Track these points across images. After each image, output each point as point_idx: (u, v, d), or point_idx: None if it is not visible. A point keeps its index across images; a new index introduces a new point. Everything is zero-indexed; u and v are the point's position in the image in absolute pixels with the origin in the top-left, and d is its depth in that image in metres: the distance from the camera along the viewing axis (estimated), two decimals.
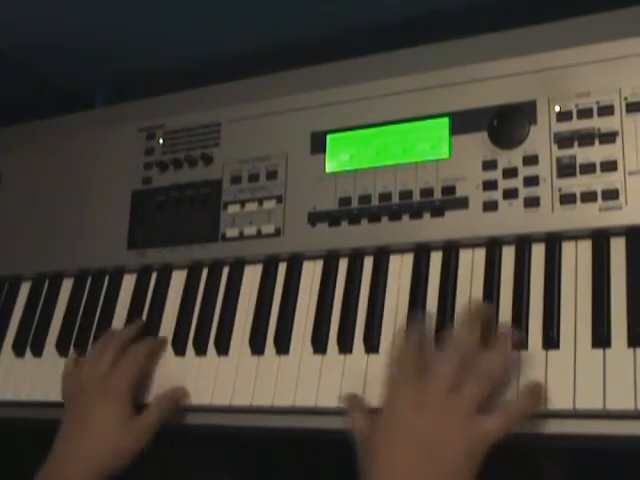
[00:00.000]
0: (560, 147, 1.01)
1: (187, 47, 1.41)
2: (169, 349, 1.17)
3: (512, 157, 1.03)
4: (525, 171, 1.02)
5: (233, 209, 1.19)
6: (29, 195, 1.38)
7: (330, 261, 1.13)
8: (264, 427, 1.09)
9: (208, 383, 1.12)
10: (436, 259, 1.07)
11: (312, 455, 1.39)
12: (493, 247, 1.04)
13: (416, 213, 1.07)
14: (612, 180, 0.97)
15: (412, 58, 1.14)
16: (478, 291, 1.02)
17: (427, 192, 1.07)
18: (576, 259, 0.99)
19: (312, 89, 1.18)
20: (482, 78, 1.07)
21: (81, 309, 1.28)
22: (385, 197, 1.09)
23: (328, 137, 1.15)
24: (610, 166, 0.98)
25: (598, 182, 0.98)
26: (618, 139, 0.98)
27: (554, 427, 0.93)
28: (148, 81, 1.48)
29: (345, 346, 1.06)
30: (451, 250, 1.06)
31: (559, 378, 0.92)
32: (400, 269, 1.08)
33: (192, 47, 1.41)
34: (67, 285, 1.32)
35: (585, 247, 0.99)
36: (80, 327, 1.27)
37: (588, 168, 0.99)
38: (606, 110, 0.99)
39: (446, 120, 1.08)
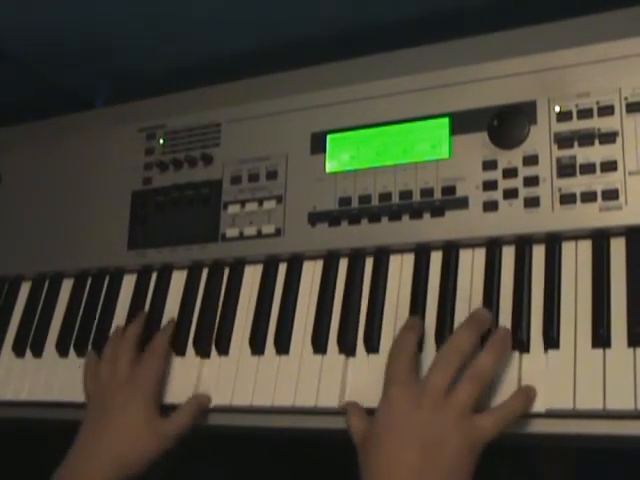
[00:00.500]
0: (560, 147, 1.01)
1: (187, 47, 1.41)
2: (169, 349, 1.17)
3: (512, 157, 1.03)
4: (525, 171, 1.02)
5: (233, 209, 1.19)
6: (29, 195, 1.38)
7: (330, 261, 1.13)
8: (264, 427, 1.09)
9: (208, 383, 1.12)
10: (436, 259, 1.07)
11: (312, 455, 1.40)
12: (493, 247, 1.04)
13: (416, 213, 1.07)
14: (612, 180, 0.97)
15: (412, 58, 1.15)
16: (478, 291, 1.02)
17: (427, 192, 1.07)
18: (576, 259, 0.99)
19: (312, 89, 1.18)
20: (482, 78, 1.07)
21: (81, 309, 1.28)
22: (385, 197, 1.09)
23: (328, 137, 1.15)
24: (610, 166, 0.98)
25: (598, 182, 0.98)
26: (618, 139, 0.98)
27: (554, 427, 0.93)
28: (148, 81, 1.48)
29: (345, 346, 1.06)
30: (451, 250, 1.06)
31: (559, 378, 0.92)
32: (400, 269, 1.09)
33: (192, 47, 1.41)
34: (67, 285, 1.32)
35: (585, 247, 0.99)
36: (80, 327, 1.27)
37: (588, 168, 0.99)
38: (606, 110, 0.99)
39: (446, 120, 1.08)
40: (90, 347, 1.23)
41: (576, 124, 1.01)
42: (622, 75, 1.00)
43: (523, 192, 1.01)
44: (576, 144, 1.00)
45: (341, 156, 1.14)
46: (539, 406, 0.92)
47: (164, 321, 1.20)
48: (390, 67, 1.14)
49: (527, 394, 0.93)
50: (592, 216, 0.98)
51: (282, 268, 1.16)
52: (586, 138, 1.00)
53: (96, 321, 1.26)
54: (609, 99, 1.00)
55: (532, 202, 1.01)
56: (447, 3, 1.22)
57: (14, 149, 1.42)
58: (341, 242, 1.11)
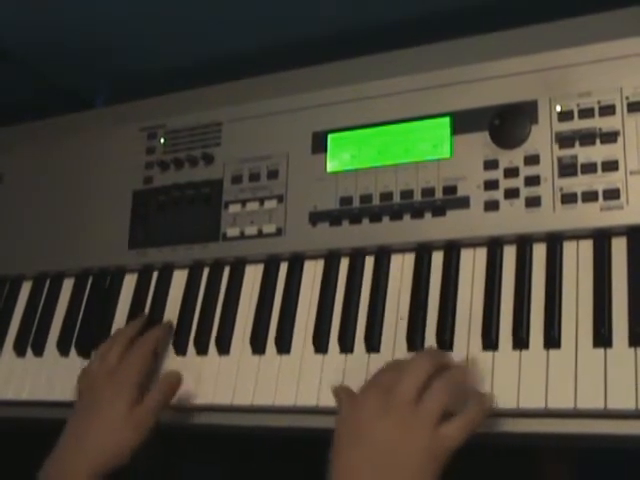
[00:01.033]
0: (561, 147, 1.01)
1: (187, 47, 1.41)
2: (170, 348, 1.17)
3: (513, 157, 1.03)
4: (526, 171, 1.02)
5: (234, 209, 1.19)
6: (30, 195, 1.38)
7: (331, 261, 1.13)
8: (265, 426, 1.09)
9: (209, 383, 1.12)
10: (437, 259, 1.07)
11: (312, 455, 1.40)
12: (494, 247, 1.04)
13: (417, 213, 1.07)
14: (613, 180, 0.98)
15: (413, 58, 1.15)
16: (479, 291, 1.02)
17: (428, 192, 1.07)
18: (577, 259, 0.99)
19: (313, 89, 1.18)
20: (483, 78, 1.07)
21: (82, 309, 1.28)
22: (386, 197, 1.09)
23: (329, 137, 1.15)
24: (611, 166, 0.98)
25: (599, 182, 0.98)
26: (619, 139, 0.98)
27: (555, 426, 0.93)
28: (148, 81, 1.48)
29: (346, 345, 1.06)
30: (452, 250, 1.06)
31: (560, 377, 0.93)
32: (401, 269, 1.09)
33: (192, 47, 1.41)
34: (68, 285, 1.32)
35: (586, 247, 0.99)
36: (81, 327, 1.27)
37: (589, 168, 0.99)
38: (607, 110, 1.00)
39: (447, 120, 1.08)
40: (91, 346, 1.23)
41: (577, 124, 1.01)
42: (623, 75, 1.00)
43: (524, 192, 1.01)
44: (577, 144, 1.00)
45: (342, 155, 1.14)
46: (540, 405, 0.92)
47: (165, 320, 1.20)
48: (391, 67, 1.14)
49: (485, 396, 0.93)
50: (593, 216, 0.98)
51: (283, 267, 1.16)
52: (587, 138, 1.00)
53: (97, 320, 1.26)
54: (610, 99, 1.00)
55: (533, 202, 1.01)
56: (447, 3, 1.22)
57: (15, 149, 1.42)
58: (342, 242, 1.11)
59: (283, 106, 1.19)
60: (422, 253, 1.08)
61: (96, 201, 1.30)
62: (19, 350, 1.29)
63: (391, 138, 1.11)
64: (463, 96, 1.08)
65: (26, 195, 1.38)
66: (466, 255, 1.06)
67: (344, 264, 1.12)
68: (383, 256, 1.10)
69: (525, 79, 1.05)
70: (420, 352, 0.99)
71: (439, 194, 1.06)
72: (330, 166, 1.14)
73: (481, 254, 1.05)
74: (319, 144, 1.16)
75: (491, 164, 1.04)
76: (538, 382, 0.93)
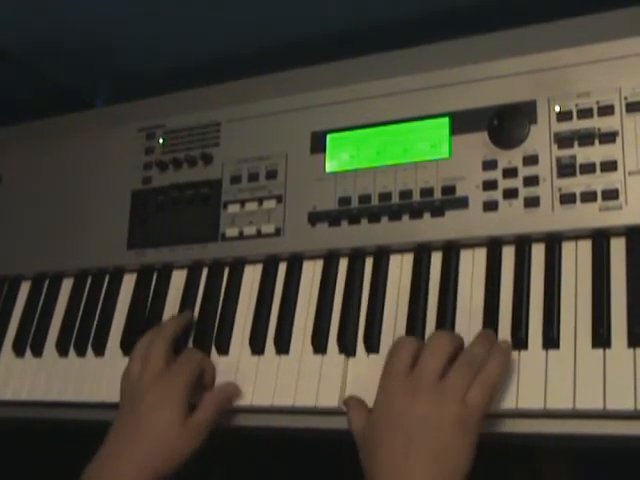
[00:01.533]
0: (560, 147, 1.01)
1: (187, 47, 1.41)
2: None
3: (512, 157, 1.03)
4: (525, 171, 1.02)
5: (233, 209, 1.19)
6: (29, 195, 1.38)
7: (330, 261, 1.13)
8: (264, 427, 1.09)
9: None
10: (436, 259, 1.07)
11: (312, 454, 1.40)
12: (493, 247, 1.04)
13: (416, 213, 1.07)
14: (612, 180, 0.98)
15: (413, 58, 1.15)
16: (478, 291, 1.02)
17: (427, 192, 1.07)
18: (576, 259, 0.99)
19: (312, 89, 1.18)
20: (482, 78, 1.07)
21: (81, 309, 1.28)
22: (385, 197, 1.09)
23: (328, 137, 1.15)
24: (610, 166, 0.98)
25: (598, 182, 0.98)
26: (618, 139, 0.98)
27: (554, 427, 0.93)
28: (148, 81, 1.48)
29: (345, 346, 1.06)
30: (451, 250, 1.06)
31: (559, 378, 0.92)
32: (400, 269, 1.09)
33: (192, 47, 1.41)
34: (67, 285, 1.32)
35: (585, 247, 0.99)
36: (80, 327, 1.26)
37: (588, 168, 0.99)
38: (606, 110, 0.99)
39: (446, 120, 1.08)
40: (90, 347, 1.23)
41: (576, 124, 1.01)
42: (622, 75, 1.00)
43: (523, 192, 1.01)
44: (576, 144, 1.00)
45: (341, 156, 1.14)
46: (539, 405, 0.92)
47: (163, 320, 1.19)
48: (390, 67, 1.14)
49: (500, 351, 0.94)
50: (592, 216, 0.98)
51: (282, 268, 1.16)
52: (586, 138, 1.00)
53: (96, 321, 1.26)
54: (609, 99, 1.00)
55: (532, 202, 1.01)
56: (447, 3, 1.22)
57: (14, 149, 1.42)
58: (341, 242, 1.11)
59: (282, 106, 1.19)
60: (421, 253, 1.08)
61: (95, 201, 1.30)
62: (18, 350, 1.29)
63: (390, 138, 1.11)
64: (462, 96, 1.08)
65: (25, 195, 1.38)
66: (465, 255, 1.06)
67: (343, 264, 1.12)
68: (382, 256, 1.10)
69: (524, 79, 1.05)
70: (437, 332, 0.99)
71: (438, 194, 1.06)
72: (329, 166, 1.14)
73: (480, 254, 1.05)
74: (318, 144, 1.15)
75: (490, 164, 1.04)
76: (537, 382, 0.93)
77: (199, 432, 1.04)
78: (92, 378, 1.20)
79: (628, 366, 0.90)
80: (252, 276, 1.17)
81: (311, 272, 1.14)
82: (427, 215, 1.06)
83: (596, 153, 0.99)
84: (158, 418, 1.03)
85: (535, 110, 1.03)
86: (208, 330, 1.16)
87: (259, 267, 1.18)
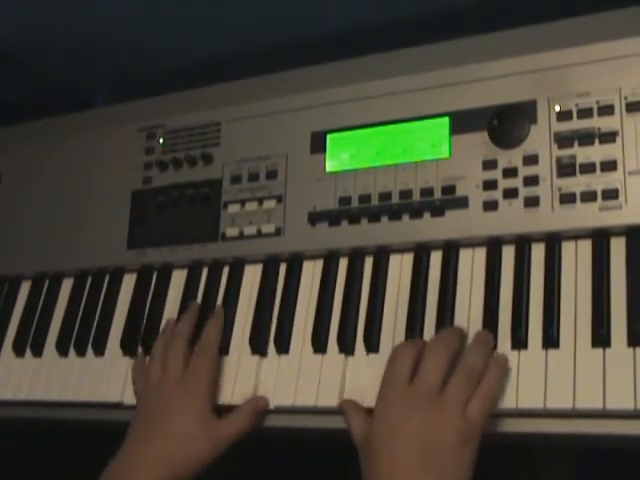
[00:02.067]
0: (560, 147, 1.01)
1: (187, 47, 1.41)
2: None
3: (512, 157, 1.03)
4: (525, 171, 1.02)
5: (233, 209, 1.19)
6: (29, 195, 1.38)
7: (330, 261, 1.13)
8: (264, 426, 1.09)
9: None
10: (436, 259, 1.07)
11: (312, 454, 1.40)
12: (493, 247, 1.04)
13: (416, 213, 1.07)
14: (612, 180, 0.98)
15: (413, 58, 1.14)
16: (478, 291, 1.02)
17: (427, 192, 1.07)
18: (576, 259, 0.99)
19: (312, 89, 1.18)
20: (482, 78, 1.07)
21: (81, 309, 1.28)
22: (385, 197, 1.09)
23: (328, 137, 1.15)
24: (610, 166, 0.98)
25: (598, 182, 0.98)
26: (618, 139, 0.98)
27: (554, 426, 0.93)
28: (148, 81, 1.48)
29: (345, 346, 1.06)
30: (451, 250, 1.06)
31: (559, 377, 0.93)
32: (400, 269, 1.09)
33: (192, 47, 1.41)
34: (67, 285, 1.32)
35: (585, 247, 0.99)
36: (80, 327, 1.26)
37: (588, 168, 0.99)
38: (606, 110, 1.00)
39: (446, 120, 1.08)
40: (90, 347, 1.23)
41: (576, 124, 1.01)
42: (622, 75, 1.00)
43: (523, 192, 1.01)
44: (576, 144, 1.00)
45: (341, 155, 1.14)
46: (539, 405, 0.92)
47: (164, 321, 1.20)
48: (390, 67, 1.14)
49: (499, 363, 0.94)
50: (592, 216, 0.98)
51: (282, 268, 1.16)
52: (586, 138, 1.00)
53: (96, 321, 1.26)
54: (609, 99, 1.00)
55: (532, 202, 1.01)
56: (447, 3, 1.22)
57: (14, 149, 1.42)
58: (341, 242, 1.11)
59: (282, 106, 1.19)
60: (421, 253, 1.08)
61: (95, 201, 1.30)
62: (18, 350, 1.29)
63: (390, 138, 1.11)
64: (462, 96, 1.08)
65: (25, 195, 1.38)
66: (465, 255, 1.06)
67: (343, 264, 1.12)
68: (382, 256, 1.10)
69: (524, 79, 1.05)
70: (438, 336, 0.99)
71: (438, 194, 1.06)
72: (329, 166, 1.14)
73: (480, 254, 1.05)
74: (318, 144, 1.15)
75: (490, 164, 1.04)
76: (537, 382, 0.93)
77: (222, 439, 1.03)
78: (92, 378, 1.20)
79: (628, 366, 0.90)
80: (252, 276, 1.17)
81: (311, 272, 1.14)
82: (427, 215, 1.07)
83: (596, 153, 0.99)
84: (178, 420, 1.03)
85: (535, 110, 1.03)
86: None
87: (259, 267, 1.18)
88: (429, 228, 1.06)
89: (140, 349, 1.19)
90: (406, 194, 1.08)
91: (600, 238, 0.98)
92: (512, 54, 1.06)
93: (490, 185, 1.03)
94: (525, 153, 1.03)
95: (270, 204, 1.16)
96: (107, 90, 1.58)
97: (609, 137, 0.99)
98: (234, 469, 1.47)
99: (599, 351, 0.92)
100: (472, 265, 1.05)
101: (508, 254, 1.03)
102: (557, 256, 1.00)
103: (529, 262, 1.01)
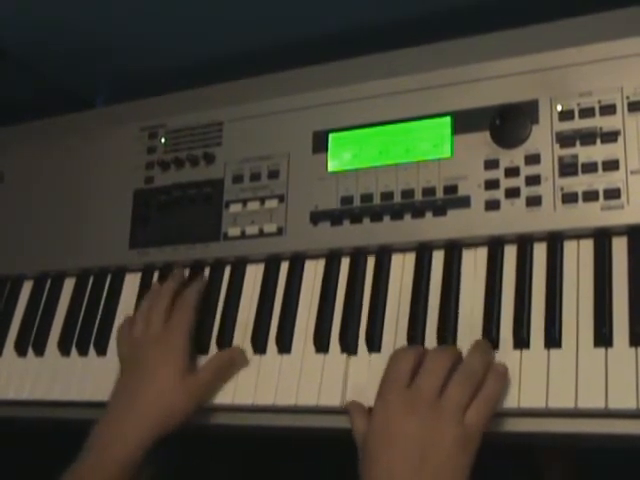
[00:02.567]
0: (562, 146, 1.01)
1: (187, 47, 1.41)
2: None
3: (514, 156, 1.03)
4: (527, 170, 1.02)
5: (235, 208, 1.19)
6: (31, 194, 1.38)
7: (332, 260, 1.13)
8: (266, 426, 1.09)
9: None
10: (438, 258, 1.07)
11: (314, 454, 1.40)
12: (495, 246, 1.04)
13: (418, 212, 1.07)
14: (614, 179, 0.98)
15: (414, 58, 1.15)
16: (480, 290, 1.02)
17: (429, 191, 1.07)
18: (578, 258, 0.99)
19: (314, 89, 1.18)
20: (484, 77, 1.07)
21: (83, 308, 1.28)
22: (387, 196, 1.09)
23: (330, 136, 1.15)
24: (612, 165, 0.98)
25: (600, 181, 0.98)
26: (620, 138, 0.99)
27: (555, 426, 0.93)
28: (149, 81, 1.48)
29: (347, 345, 1.06)
30: (453, 249, 1.06)
31: (561, 377, 0.93)
32: (402, 268, 1.09)
33: (192, 47, 1.41)
34: (69, 284, 1.32)
35: (587, 246, 0.99)
36: (82, 326, 1.26)
37: (590, 167, 0.99)
38: (608, 109, 1.00)
39: (448, 119, 1.08)
40: (92, 346, 1.23)
41: (578, 123, 1.01)
42: (624, 74, 1.00)
43: (525, 191, 1.01)
44: (578, 143, 1.00)
45: (343, 155, 1.14)
46: (541, 404, 0.92)
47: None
48: (392, 66, 1.14)
49: (499, 373, 0.94)
50: (594, 215, 0.98)
51: (284, 267, 1.16)
52: (588, 137, 1.00)
53: (98, 320, 1.26)
54: (611, 98, 1.00)
55: (534, 201, 1.01)
56: (447, 3, 1.22)
57: (16, 149, 1.42)
58: (343, 241, 1.11)
59: (284, 106, 1.19)
60: (423, 253, 1.08)
61: (97, 201, 1.30)
62: (20, 350, 1.29)
63: (392, 138, 1.11)
64: (464, 96, 1.08)
65: (27, 195, 1.38)
66: (467, 255, 1.06)
67: (345, 264, 1.12)
68: (384, 256, 1.10)
69: (526, 79, 1.05)
70: (438, 347, 1.00)
71: (440, 194, 1.07)
72: (331, 166, 1.14)
73: (482, 254, 1.05)
74: (320, 144, 1.16)
75: (492, 164, 1.04)
76: (539, 382, 0.93)
77: (198, 390, 1.07)
78: (94, 377, 1.20)
79: (630, 365, 0.90)
80: (254, 275, 1.18)
81: (313, 271, 1.14)
82: (429, 214, 1.07)
83: (598, 152, 0.99)
84: (159, 377, 1.06)
85: (537, 109, 1.03)
86: (210, 329, 1.16)
87: (261, 266, 1.18)
88: (431, 228, 1.06)
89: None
90: (408, 194, 1.08)
91: (602, 238, 0.98)
92: (514, 54, 1.06)
93: (492, 185, 1.04)
94: (527, 153, 1.03)
95: (272, 204, 1.16)
96: (107, 90, 1.58)
97: (611, 137, 0.99)
98: (235, 469, 1.47)
99: (601, 351, 0.92)
100: (474, 265, 1.05)
101: (510, 254, 1.03)
102: (559, 256, 1.00)
103: (531, 262, 1.01)
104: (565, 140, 1.01)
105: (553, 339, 0.95)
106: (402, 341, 1.03)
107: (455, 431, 0.89)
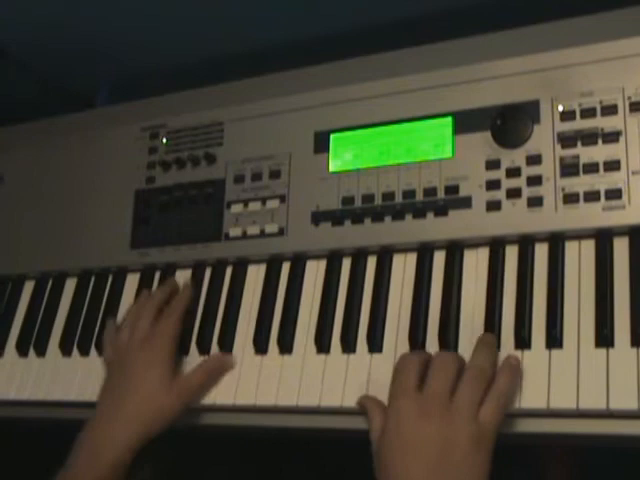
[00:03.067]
0: (563, 147, 1.01)
1: (187, 47, 1.41)
2: None
3: (515, 157, 1.03)
4: (528, 170, 1.02)
5: (236, 208, 1.19)
6: (32, 195, 1.38)
7: (333, 260, 1.13)
8: (267, 426, 1.09)
9: (211, 382, 1.11)
10: (439, 259, 1.07)
11: (315, 455, 1.40)
12: (496, 246, 1.04)
13: (419, 213, 1.07)
14: (615, 180, 0.98)
15: (415, 58, 1.14)
16: (481, 291, 1.02)
17: (430, 192, 1.07)
18: (579, 258, 0.99)
19: (315, 89, 1.18)
20: (485, 78, 1.07)
21: (84, 309, 1.28)
22: (388, 196, 1.09)
23: (331, 136, 1.15)
24: (613, 165, 0.98)
25: (601, 182, 0.98)
26: (621, 138, 0.99)
27: (557, 427, 0.93)
28: (149, 81, 1.48)
29: (348, 346, 1.06)
30: (454, 250, 1.06)
31: (562, 377, 0.93)
32: (403, 269, 1.09)
33: (192, 47, 1.41)
34: (70, 284, 1.32)
35: (588, 246, 0.99)
36: (83, 327, 1.26)
37: (591, 167, 0.99)
38: (609, 110, 1.00)
39: (449, 120, 1.08)
40: (93, 346, 1.24)
41: (579, 123, 1.01)
42: (625, 74, 1.00)
43: (526, 191, 1.01)
44: (579, 143, 1.00)
45: (344, 155, 1.14)
46: (542, 405, 0.92)
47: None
48: (393, 66, 1.14)
49: (512, 367, 0.94)
50: (595, 216, 0.98)
51: (285, 267, 1.16)
52: (589, 137, 1.00)
53: (99, 320, 1.26)
54: (612, 98, 1.00)
55: (535, 201, 1.01)
56: (448, 3, 1.22)
57: (17, 149, 1.42)
58: (344, 241, 1.11)
59: (285, 106, 1.19)
60: (424, 253, 1.08)
61: (98, 201, 1.30)
62: (21, 350, 1.29)
63: (393, 138, 1.11)
64: (465, 96, 1.08)
65: (28, 195, 1.38)
66: (468, 255, 1.06)
67: (346, 264, 1.12)
68: (385, 256, 1.10)
69: (527, 79, 1.05)
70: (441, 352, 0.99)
71: (441, 194, 1.07)
72: (332, 166, 1.14)
73: (483, 254, 1.05)
74: (321, 144, 1.16)
75: (493, 164, 1.04)
76: (540, 382, 0.93)
77: (187, 392, 1.08)
78: (95, 378, 1.19)
79: (631, 366, 0.90)
80: (255, 276, 1.17)
81: (314, 272, 1.14)
82: (430, 215, 1.07)
83: (599, 153, 0.99)
84: (146, 378, 1.08)
85: (538, 110, 1.03)
86: (211, 330, 1.16)
87: (262, 267, 1.18)
88: (432, 228, 1.06)
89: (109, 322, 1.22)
90: (409, 194, 1.08)
91: (603, 238, 0.98)
92: (515, 54, 1.06)
93: (493, 185, 1.04)
94: (528, 153, 1.03)
95: (273, 204, 1.17)
96: (108, 90, 1.58)
97: (612, 137, 0.99)
98: (235, 469, 1.47)
99: (602, 351, 0.92)
100: (475, 265, 1.05)
101: (511, 254, 1.03)
102: (560, 256, 1.00)
103: (532, 262, 1.01)
104: (566, 140, 1.01)
105: (554, 339, 0.95)
106: (403, 341, 1.03)
107: (470, 429, 0.88)
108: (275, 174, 1.18)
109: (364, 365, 1.04)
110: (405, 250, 1.09)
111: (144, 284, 1.25)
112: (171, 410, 1.06)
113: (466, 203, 1.05)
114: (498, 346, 0.98)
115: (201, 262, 1.21)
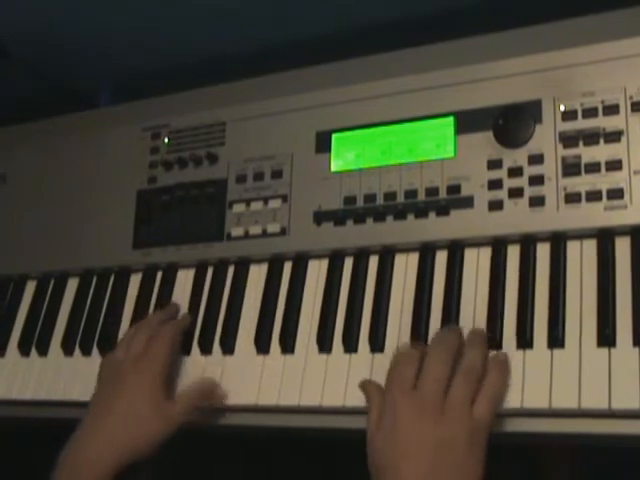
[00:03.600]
0: (565, 146, 1.01)
1: (187, 47, 1.41)
2: None
3: (517, 156, 1.03)
4: (530, 170, 1.02)
5: (238, 208, 1.19)
6: (34, 195, 1.38)
7: (335, 260, 1.13)
8: (269, 426, 1.09)
9: (213, 382, 1.11)
10: (441, 258, 1.07)
11: (316, 454, 1.40)
12: (498, 246, 1.04)
13: (421, 212, 1.07)
14: (617, 179, 0.98)
15: (417, 57, 1.14)
16: (483, 290, 1.02)
17: (432, 191, 1.07)
18: (581, 258, 0.99)
19: (317, 88, 1.18)
20: (487, 77, 1.07)
21: (86, 308, 1.28)
22: (390, 196, 1.09)
23: (333, 136, 1.15)
24: (615, 165, 0.98)
25: (603, 181, 0.98)
26: (623, 138, 0.99)
27: (559, 426, 0.93)
28: (150, 81, 1.49)
29: (350, 345, 1.06)
30: (456, 249, 1.06)
31: (564, 377, 0.93)
32: (405, 268, 1.09)
33: (192, 47, 1.41)
34: (72, 284, 1.32)
35: (590, 246, 0.99)
36: (85, 326, 1.27)
37: (593, 167, 0.99)
38: (611, 109, 1.00)
39: (451, 119, 1.08)
40: (95, 346, 1.24)
41: (581, 123, 1.01)
42: (627, 74, 1.00)
43: (528, 191, 1.02)
44: (581, 143, 1.00)
45: (346, 155, 1.14)
46: (544, 404, 0.92)
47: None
48: (394, 66, 1.14)
49: (502, 363, 0.95)
50: (597, 215, 0.98)
51: (287, 267, 1.16)
52: (591, 137, 1.00)
53: (101, 320, 1.26)
54: (614, 98, 1.00)
55: (537, 201, 1.01)
56: (450, 3, 1.22)
57: (19, 149, 1.42)
58: (346, 241, 1.11)
59: (287, 106, 1.19)
60: (426, 253, 1.08)
61: (100, 201, 1.30)
62: (23, 350, 1.29)
63: (395, 138, 1.11)
64: (467, 96, 1.08)
65: (29, 195, 1.38)
66: (470, 255, 1.06)
67: (348, 264, 1.12)
68: (387, 256, 1.10)
69: (529, 79, 1.05)
70: (436, 338, 0.99)
71: (443, 194, 1.07)
72: (334, 166, 1.14)
73: (485, 254, 1.05)
74: (323, 144, 1.16)
75: (495, 164, 1.04)
76: (542, 382, 0.93)
77: (172, 419, 1.06)
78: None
79: (634, 365, 0.90)
80: (257, 276, 1.18)
81: (316, 271, 1.14)
82: (432, 214, 1.07)
83: (601, 152, 0.99)
84: (136, 400, 1.06)
85: (540, 109, 1.03)
86: (213, 329, 1.16)
87: (264, 267, 1.18)
88: (434, 228, 1.06)
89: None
90: (411, 194, 1.08)
91: (605, 238, 0.98)
92: (517, 54, 1.06)
93: (495, 185, 1.04)
94: (530, 153, 1.03)
95: (275, 204, 1.17)
96: (109, 90, 1.58)
97: (614, 137, 0.99)
98: (236, 470, 1.47)
99: (604, 351, 0.92)
100: (477, 265, 1.05)
101: (513, 254, 1.03)
102: (562, 256, 1.00)
103: (534, 262, 1.01)
104: (568, 140, 1.01)
105: (556, 339, 0.95)
106: (405, 341, 1.03)
107: (465, 427, 0.89)
108: (277, 174, 1.18)
109: (366, 365, 1.04)
110: (407, 250, 1.09)
111: (146, 284, 1.25)
112: (158, 433, 1.04)
113: (468, 203, 1.05)
114: (500, 346, 0.98)
115: (203, 262, 1.21)
